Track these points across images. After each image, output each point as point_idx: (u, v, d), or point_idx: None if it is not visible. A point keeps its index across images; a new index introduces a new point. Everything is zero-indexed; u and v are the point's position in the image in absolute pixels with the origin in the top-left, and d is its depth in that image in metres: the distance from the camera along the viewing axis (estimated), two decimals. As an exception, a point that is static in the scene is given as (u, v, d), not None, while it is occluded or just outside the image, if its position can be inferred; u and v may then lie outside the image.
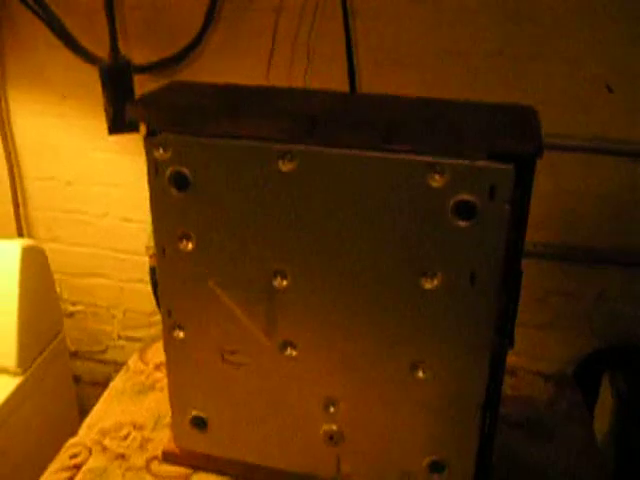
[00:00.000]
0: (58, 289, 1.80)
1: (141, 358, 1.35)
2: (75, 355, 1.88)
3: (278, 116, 0.84)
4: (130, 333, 1.80)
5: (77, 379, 1.90)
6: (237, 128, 0.84)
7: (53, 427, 1.42)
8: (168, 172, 0.88)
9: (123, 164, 1.63)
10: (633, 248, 1.47)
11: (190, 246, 0.91)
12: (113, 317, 1.81)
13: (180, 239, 0.92)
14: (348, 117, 0.84)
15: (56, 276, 1.79)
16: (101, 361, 1.86)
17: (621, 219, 1.47)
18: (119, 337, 1.83)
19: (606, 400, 1.43)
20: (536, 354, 1.52)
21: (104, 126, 1.46)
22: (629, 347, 1.54)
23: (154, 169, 0.89)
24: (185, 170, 0.88)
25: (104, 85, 1.41)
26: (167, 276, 0.95)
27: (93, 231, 1.73)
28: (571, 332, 1.54)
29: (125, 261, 1.72)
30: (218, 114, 0.86)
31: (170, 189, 0.89)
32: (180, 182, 0.88)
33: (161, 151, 0.88)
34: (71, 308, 1.83)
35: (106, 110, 1.43)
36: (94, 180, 1.67)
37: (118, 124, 1.43)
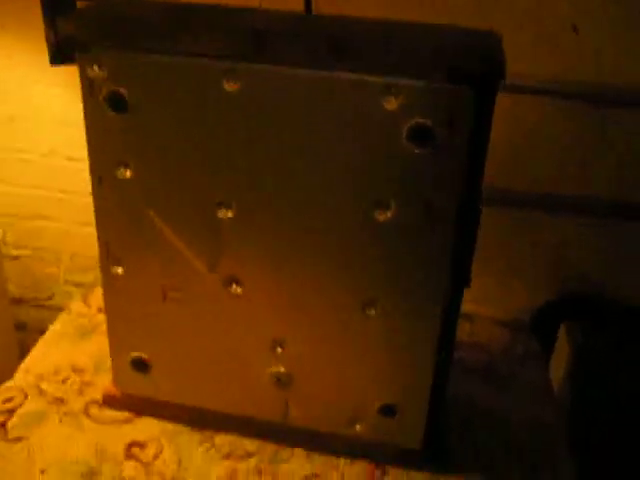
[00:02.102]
0: (1, 232, 1.72)
1: (84, 301, 1.29)
2: (20, 301, 1.80)
3: (222, 31, 0.77)
4: (77, 278, 1.72)
5: (22, 326, 1.82)
6: (178, 43, 0.77)
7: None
8: (104, 92, 0.81)
9: (69, 99, 1.53)
10: (595, 197, 1.44)
11: (129, 174, 0.85)
12: (59, 261, 1.73)
13: (118, 166, 0.85)
14: (297, 34, 0.77)
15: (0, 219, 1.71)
16: (48, 307, 1.78)
17: (584, 166, 1.43)
18: (66, 282, 1.75)
19: (563, 350, 1.41)
20: (494, 302, 1.49)
21: (47, 58, 1.36)
22: (587, 297, 1.52)
23: (89, 89, 0.82)
24: (122, 90, 0.81)
25: (44, 10, 1.31)
26: (104, 206, 0.89)
27: (38, 171, 1.63)
28: (530, 281, 1.51)
29: (71, 203, 1.63)
30: (158, 27, 0.79)
31: (107, 111, 0.82)
32: (117, 103, 0.81)
33: (96, 69, 0.80)
34: (15, 252, 1.74)
35: (47, 38, 1.34)
36: (38, 117, 1.57)
37: (61, 53, 1.34)
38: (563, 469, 1.00)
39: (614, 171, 1.42)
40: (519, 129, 1.40)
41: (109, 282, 0.93)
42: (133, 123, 0.82)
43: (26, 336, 1.81)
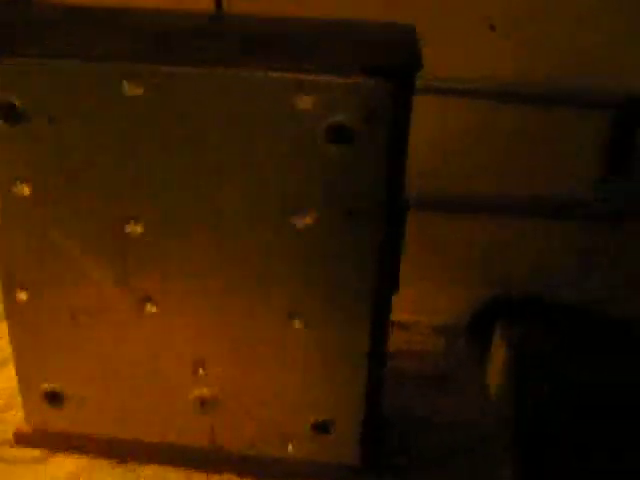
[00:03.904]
0: None
1: (-7, 332, 1.20)
2: None
3: (121, 33, 0.72)
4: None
5: None
6: (72, 46, 0.72)
7: None
8: (-6, 102, 0.75)
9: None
10: (523, 198, 1.43)
11: (27, 190, 0.78)
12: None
13: (14, 182, 0.78)
14: (202, 33, 0.72)
15: None
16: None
17: (513, 166, 1.42)
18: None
19: (498, 350, 1.39)
20: (430, 308, 1.46)
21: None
22: (522, 297, 1.51)
23: (-23, 100, 0.75)
24: (14, 99, 0.74)
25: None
26: (2, 226, 0.81)
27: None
28: (464, 285, 1.49)
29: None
30: (49, 31, 0.73)
31: (-1, 123, 0.75)
32: (9, 114, 0.75)
33: (-17, 78, 0.74)
34: None
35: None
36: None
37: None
38: (504, 473, 0.97)
39: (539, 169, 1.42)
40: (443, 131, 1.38)
41: (13, 309, 0.86)
42: (28, 135, 0.75)
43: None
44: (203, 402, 0.86)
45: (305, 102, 0.69)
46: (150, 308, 0.81)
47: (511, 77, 1.34)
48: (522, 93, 1.36)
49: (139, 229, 0.78)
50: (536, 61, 1.32)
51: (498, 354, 1.40)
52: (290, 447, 0.88)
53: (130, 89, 0.72)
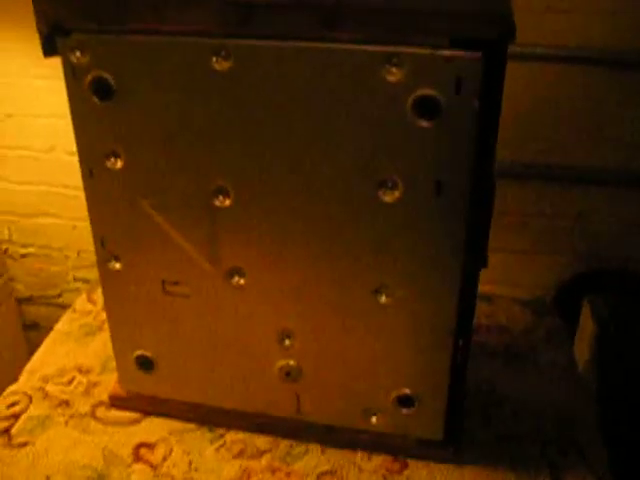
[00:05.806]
0: (7, 231, 1.69)
1: (89, 298, 1.25)
2: (29, 300, 1.77)
3: (208, 5, 0.72)
4: (85, 274, 1.69)
5: (34, 326, 1.80)
6: (163, 22, 0.72)
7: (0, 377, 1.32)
8: (88, 79, 0.77)
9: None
10: (613, 167, 1.38)
11: (119, 164, 0.80)
12: (67, 258, 1.70)
13: (108, 156, 0.80)
14: (287, 4, 0.71)
15: (4, 217, 1.68)
16: (57, 305, 1.76)
17: (601, 136, 1.37)
18: (74, 279, 1.72)
19: (587, 325, 1.36)
20: (515, 281, 1.44)
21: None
22: (610, 270, 1.46)
23: (72, 76, 0.78)
24: (107, 75, 0.76)
25: (34, -1, 1.27)
26: (97, 200, 0.84)
27: (40, 167, 1.60)
28: (551, 257, 1.45)
29: (76, 198, 1.60)
30: (140, 6, 0.74)
31: (92, 98, 0.77)
32: (103, 90, 0.77)
33: (78, 54, 0.76)
34: (22, 250, 1.71)
35: (38, 28, 1.29)
36: (37, 111, 1.54)
37: (53, 43, 1.29)
38: (592, 451, 0.95)
39: (631, 138, 1.37)
40: (533, 99, 1.34)
41: (107, 279, 0.89)
42: (120, 110, 0.77)
43: (39, 335, 1.79)
44: (289, 372, 0.88)
45: (394, 74, 0.68)
46: (238, 280, 0.83)
47: (599, 44, 1.29)
48: (618, 59, 1.31)
49: (227, 202, 0.79)
50: (634, 25, 1.26)
51: (586, 329, 1.36)
52: (374, 419, 0.89)
53: (218, 64, 0.72)
